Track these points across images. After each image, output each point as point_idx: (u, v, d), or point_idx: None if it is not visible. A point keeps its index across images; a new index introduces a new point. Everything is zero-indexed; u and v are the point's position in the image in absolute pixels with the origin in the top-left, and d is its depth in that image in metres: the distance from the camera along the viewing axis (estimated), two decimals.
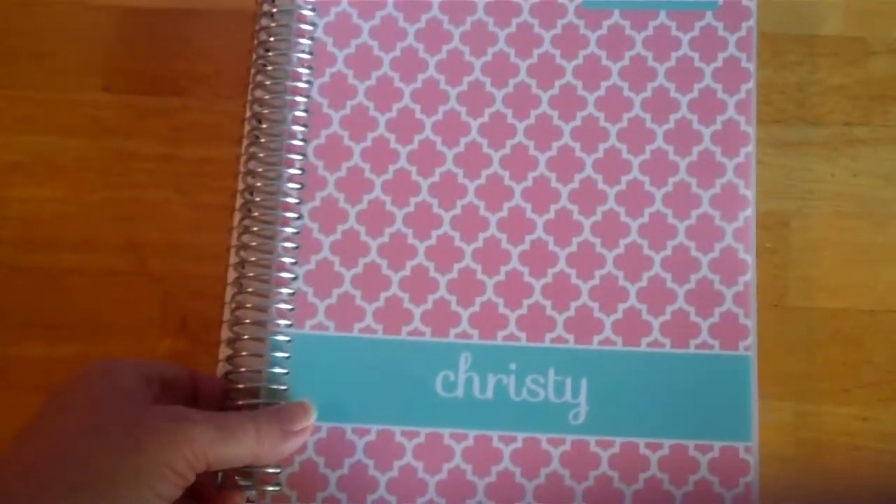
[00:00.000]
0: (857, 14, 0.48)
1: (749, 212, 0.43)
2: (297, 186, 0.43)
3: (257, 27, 0.44)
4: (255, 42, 0.44)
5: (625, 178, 0.43)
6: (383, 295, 0.43)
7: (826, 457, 0.45)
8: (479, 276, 0.43)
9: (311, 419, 0.40)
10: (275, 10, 0.44)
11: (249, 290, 0.42)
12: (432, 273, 0.43)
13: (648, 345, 0.42)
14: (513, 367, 0.42)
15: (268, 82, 0.43)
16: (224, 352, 0.42)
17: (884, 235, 0.46)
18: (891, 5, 0.48)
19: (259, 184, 0.43)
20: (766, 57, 0.47)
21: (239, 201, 0.43)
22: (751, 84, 0.44)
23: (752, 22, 0.44)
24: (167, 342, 0.46)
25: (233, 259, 0.42)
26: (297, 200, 0.43)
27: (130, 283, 0.47)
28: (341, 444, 0.41)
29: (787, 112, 0.47)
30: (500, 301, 0.43)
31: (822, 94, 0.48)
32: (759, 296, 0.44)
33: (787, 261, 0.46)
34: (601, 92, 0.44)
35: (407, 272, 0.43)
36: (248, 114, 0.44)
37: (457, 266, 0.43)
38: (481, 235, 0.43)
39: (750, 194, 0.43)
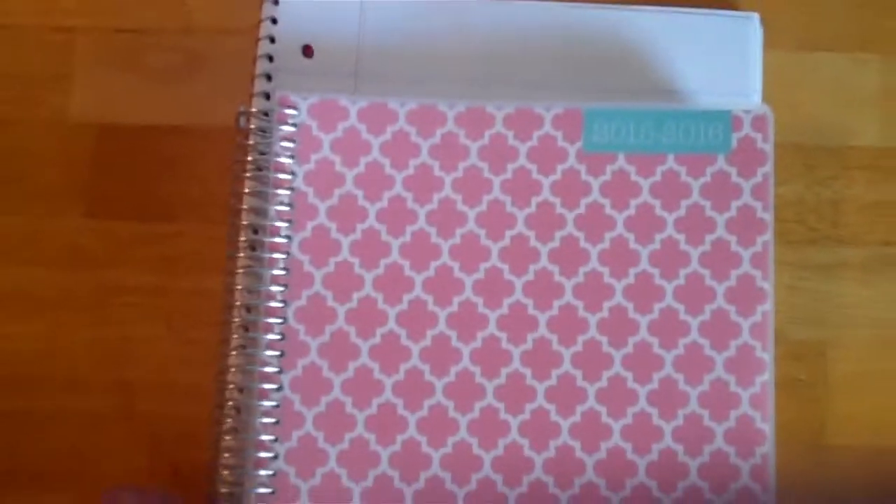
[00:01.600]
0: (894, 125, 0.45)
1: (766, 376, 0.40)
2: (277, 354, 0.41)
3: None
4: (242, 178, 0.42)
5: (631, 340, 0.41)
6: (371, 473, 0.40)
7: None
8: (476, 450, 0.40)
9: None
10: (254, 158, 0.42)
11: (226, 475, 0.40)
12: (424, 448, 0.40)
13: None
14: None
15: (249, 236, 0.41)
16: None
17: None
18: None
19: (237, 343, 0.41)
20: (797, 171, 0.45)
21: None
22: (767, 236, 0.41)
23: (768, 167, 0.41)
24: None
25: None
26: (277, 369, 0.40)
27: (118, 427, 0.45)
28: None
29: (820, 231, 0.45)
30: (499, 478, 0.40)
31: (859, 211, 0.45)
32: (793, 435, 0.42)
33: (825, 394, 0.43)
34: (605, 244, 0.41)
35: (397, 447, 0.40)
36: (235, 262, 0.42)
37: (450, 439, 0.40)
38: (477, 405, 0.41)
39: (767, 358, 0.40)
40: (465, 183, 0.42)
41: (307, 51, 0.45)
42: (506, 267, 0.41)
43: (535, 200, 0.42)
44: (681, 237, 0.41)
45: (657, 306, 0.41)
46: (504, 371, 0.41)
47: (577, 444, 0.40)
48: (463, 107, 0.43)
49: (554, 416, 0.40)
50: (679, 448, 0.40)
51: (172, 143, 0.46)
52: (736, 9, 0.46)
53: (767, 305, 0.41)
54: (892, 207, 0.45)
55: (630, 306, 0.41)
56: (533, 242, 0.42)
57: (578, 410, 0.40)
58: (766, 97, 0.44)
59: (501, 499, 0.40)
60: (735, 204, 0.41)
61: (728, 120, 0.42)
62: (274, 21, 0.45)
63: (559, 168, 0.42)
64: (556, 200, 0.42)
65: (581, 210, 0.42)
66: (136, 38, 0.47)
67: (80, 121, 0.46)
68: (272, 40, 0.45)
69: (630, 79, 0.45)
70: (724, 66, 0.45)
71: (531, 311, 0.41)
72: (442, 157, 0.42)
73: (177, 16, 0.47)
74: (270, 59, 0.44)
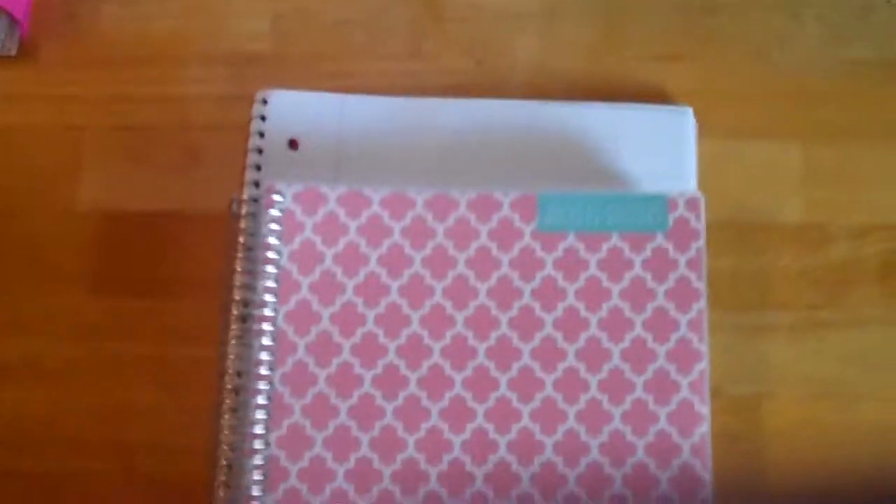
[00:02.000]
0: (815, 203, 0.50)
1: (704, 428, 0.44)
2: (264, 418, 0.45)
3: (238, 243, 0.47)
4: (233, 258, 0.47)
5: (583, 398, 0.45)
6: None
7: None
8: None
9: None
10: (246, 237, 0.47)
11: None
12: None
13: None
14: None
15: (239, 310, 0.46)
16: None
17: (852, 415, 0.48)
18: (846, 194, 0.50)
19: (229, 406, 0.45)
20: (731, 246, 0.50)
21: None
22: (701, 303, 0.45)
23: (700, 242, 0.46)
24: None
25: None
26: (262, 444, 0.44)
27: (119, 486, 0.48)
28: None
29: (752, 299, 0.49)
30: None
31: (786, 279, 0.49)
32: (733, 481, 0.46)
33: (763, 444, 0.48)
34: (558, 313, 0.46)
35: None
36: (228, 333, 0.46)
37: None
38: (445, 458, 0.45)
39: (705, 411, 0.44)
40: (433, 260, 0.47)
41: (293, 144, 0.50)
42: (470, 333, 0.46)
43: (495, 275, 0.47)
44: (625, 305, 0.46)
45: (606, 367, 0.45)
46: (469, 426, 0.45)
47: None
48: (430, 193, 0.47)
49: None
50: (627, 493, 0.44)
51: (171, 227, 0.51)
52: (672, 103, 0.52)
53: (703, 364, 0.45)
54: (816, 275, 0.50)
55: (581, 367, 0.45)
56: (494, 312, 0.46)
57: (536, 461, 0.45)
58: (702, 180, 0.50)
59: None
60: (672, 275, 0.46)
61: (664, 203, 0.47)
62: (263, 118, 0.50)
63: (516, 246, 0.47)
64: (514, 274, 0.47)
65: (536, 283, 0.46)
66: (138, 135, 0.52)
67: (87, 208, 0.51)
68: (261, 135, 0.50)
69: (579, 167, 0.50)
70: (663, 155, 0.50)
71: (493, 372, 0.45)
72: (412, 237, 0.47)
73: (175, 114, 0.52)
74: (260, 151, 0.50)
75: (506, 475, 0.44)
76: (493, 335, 0.46)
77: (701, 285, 0.46)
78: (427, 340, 0.46)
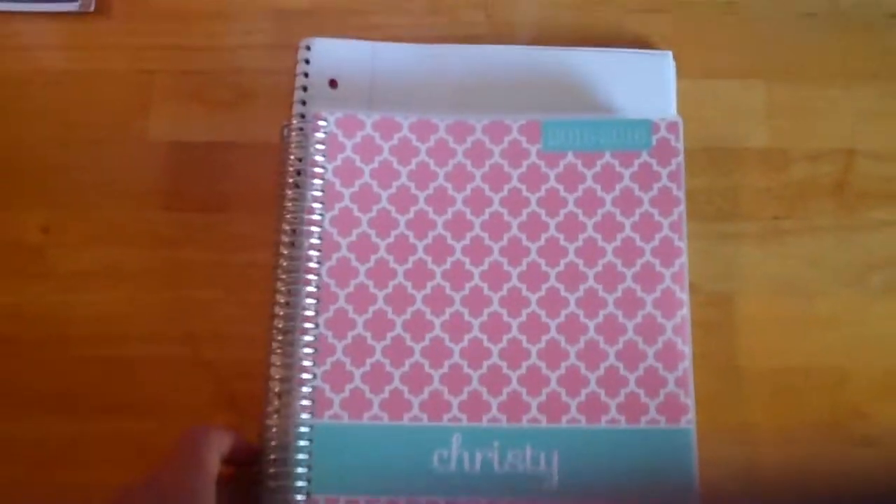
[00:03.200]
0: (778, 131, 0.59)
1: (685, 311, 0.52)
2: (314, 301, 0.52)
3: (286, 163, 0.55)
4: (285, 173, 0.54)
5: (582, 286, 0.52)
6: (387, 388, 0.51)
7: (774, 491, 0.53)
8: (466, 370, 0.51)
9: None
10: (295, 157, 0.55)
11: (277, 390, 0.51)
12: (427, 369, 0.51)
13: (607, 422, 0.50)
14: (496, 444, 0.50)
15: (291, 215, 0.53)
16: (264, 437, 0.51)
17: (810, 307, 0.56)
18: (804, 124, 0.59)
19: (283, 300, 0.52)
20: (706, 167, 0.58)
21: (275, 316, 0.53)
22: (681, 208, 0.53)
23: (680, 158, 0.54)
24: (219, 417, 0.54)
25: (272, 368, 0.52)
26: (313, 313, 0.52)
27: (187, 369, 0.55)
28: None
29: (725, 210, 0.57)
30: (484, 390, 0.51)
31: (754, 194, 0.58)
32: (710, 362, 0.54)
33: (734, 332, 0.56)
34: (560, 218, 0.53)
35: (406, 369, 0.51)
36: (281, 237, 0.54)
37: (447, 362, 0.51)
38: (466, 336, 0.52)
39: (685, 297, 0.52)
40: (454, 176, 0.55)
41: (333, 84, 0.58)
42: (486, 235, 0.54)
43: (506, 187, 0.54)
44: (616, 211, 0.54)
45: (600, 262, 0.53)
46: (486, 311, 0.53)
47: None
48: (451, 119, 0.55)
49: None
50: (619, 364, 0.52)
51: (227, 154, 0.59)
52: (655, 49, 0.60)
53: (683, 259, 0.53)
54: (779, 191, 0.58)
55: (580, 262, 0.53)
56: (506, 217, 0.54)
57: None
58: (680, 113, 0.57)
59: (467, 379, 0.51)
60: (656, 185, 0.54)
61: (649, 126, 0.55)
62: (307, 62, 0.58)
63: (524, 163, 0.55)
64: (523, 187, 0.54)
65: (541, 193, 0.54)
66: (199, 78, 0.60)
67: (157, 139, 0.59)
68: (306, 76, 0.58)
69: (574, 103, 0.58)
70: (647, 92, 0.58)
71: (505, 267, 0.53)
72: (436, 156, 0.55)
73: (229, 61, 0.61)
74: (305, 89, 0.58)
75: (518, 351, 0.52)
76: (506, 236, 0.53)
77: (680, 194, 0.54)
78: (450, 241, 0.53)
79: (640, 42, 0.60)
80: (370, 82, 0.58)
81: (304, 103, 0.57)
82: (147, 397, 0.55)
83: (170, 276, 0.57)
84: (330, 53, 0.59)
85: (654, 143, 0.54)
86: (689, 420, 0.50)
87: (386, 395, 0.51)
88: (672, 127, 0.54)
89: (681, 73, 0.59)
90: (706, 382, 0.54)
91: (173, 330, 0.56)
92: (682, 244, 0.53)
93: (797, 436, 0.54)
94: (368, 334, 0.52)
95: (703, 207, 0.57)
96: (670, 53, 0.59)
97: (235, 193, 0.58)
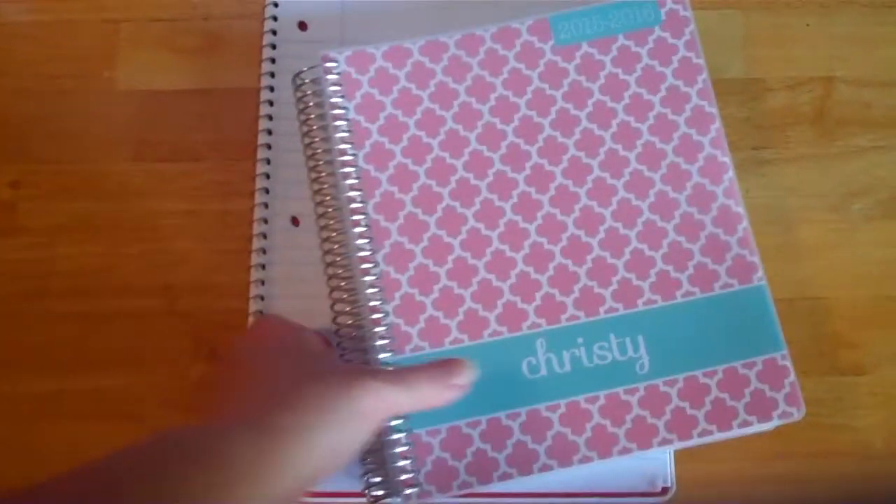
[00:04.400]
0: (756, 61, 0.58)
1: (730, 173, 0.52)
2: (367, 241, 0.51)
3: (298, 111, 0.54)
4: (305, 122, 0.53)
5: (626, 171, 0.52)
6: (461, 310, 0.50)
7: None
8: (534, 275, 0.51)
9: (468, 375, 0.47)
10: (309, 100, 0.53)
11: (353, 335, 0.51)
12: (495, 283, 0.51)
13: (682, 296, 0.50)
14: (580, 340, 0.50)
15: (320, 163, 0.52)
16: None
17: (792, 236, 0.56)
18: (781, 53, 0.58)
19: (334, 247, 0.52)
20: None
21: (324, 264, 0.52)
22: (704, 74, 0.53)
23: (692, 26, 0.53)
24: (199, 367, 0.54)
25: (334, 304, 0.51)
26: (369, 252, 0.51)
27: (164, 321, 0.55)
28: (460, 438, 0.49)
29: None
30: (556, 291, 0.51)
31: (733, 125, 0.57)
32: None
33: None
34: (589, 108, 0.53)
35: (475, 287, 0.51)
36: (311, 179, 0.53)
37: (513, 272, 0.51)
38: (526, 243, 0.51)
39: (727, 160, 0.52)
40: (475, 89, 0.53)
41: (302, 26, 0.57)
42: (521, 141, 0.52)
43: (529, 89, 0.53)
44: (642, 91, 0.53)
45: (639, 142, 0.52)
46: (538, 213, 0.52)
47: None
48: (459, 34, 0.54)
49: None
50: (681, 238, 0.51)
51: (197, 102, 0.58)
52: None
53: (717, 123, 0.52)
54: (758, 121, 0.58)
55: (619, 147, 0.52)
56: (536, 119, 0.53)
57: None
58: None
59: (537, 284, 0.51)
60: (675, 58, 0.53)
61: (655, 1, 0.54)
62: (275, 5, 0.57)
63: (541, 62, 0.54)
64: (545, 86, 0.53)
65: (565, 88, 0.53)
66: (167, 26, 0.59)
67: (126, 88, 0.59)
68: (275, 19, 0.57)
69: None
70: None
71: (547, 167, 0.52)
72: (453, 74, 0.53)
73: (198, 7, 0.60)
74: (274, 33, 0.57)
75: (579, 246, 0.51)
76: (540, 137, 0.53)
77: (700, 61, 0.53)
78: (486, 153, 0.52)
79: None
80: (340, 21, 0.58)
81: (273, 47, 0.57)
82: (125, 351, 0.55)
83: (143, 227, 0.56)
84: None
85: (663, 17, 0.54)
86: (759, 277, 0.50)
87: (461, 317, 0.50)
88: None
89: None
90: None
91: (149, 282, 0.56)
92: (714, 109, 0.52)
93: None
94: (429, 261, 0.51)
95: None
96: None
97: (207, 142, 0.57)
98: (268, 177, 0.54)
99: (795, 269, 0.55)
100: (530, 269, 0.51)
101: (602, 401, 0.49)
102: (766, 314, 0.50)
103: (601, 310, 0.50)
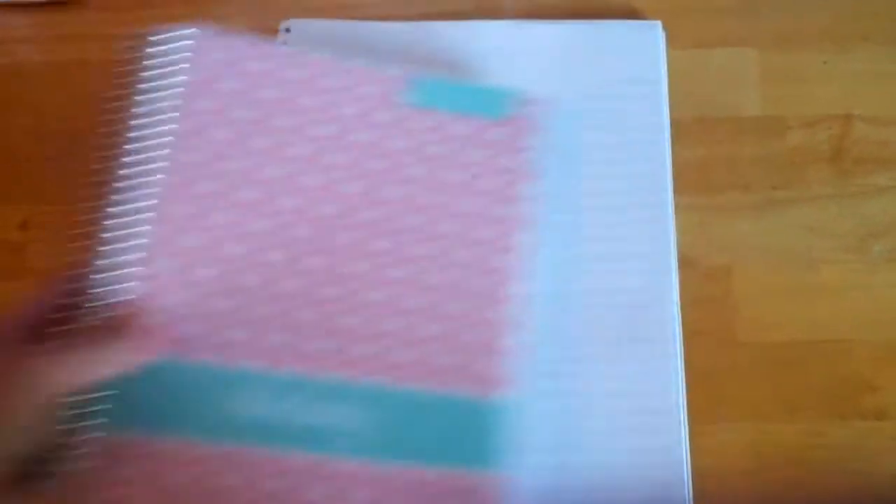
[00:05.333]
0: (772, 99, 0.58)
1: (513, 284, 0.49)
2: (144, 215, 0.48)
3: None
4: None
5: (415, 251, 0.50)
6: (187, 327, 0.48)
7: (780, 469, 0.52)
8: (277, 317, 0.48)
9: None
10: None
11: None
12: (258, 308, 0.48)
13: (417, 383, 0.48)
14: (300, 396, 0.48)
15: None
16: None
17: (811, 278, 0.55)
18: (798, 91, 0.58)
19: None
20: (699, 138, 0.57)
21: None
22: (536, 182, 0.51)
23: (539, 135, 0.51)
24: None
25: None
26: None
27: None
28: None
29: (721, 182, 0.56)
30: (293, 338, 0.48)
31: (750, 164, 0.57)
32: (710, 336, 0.53)
33: (734, 305, 0.55)
34: (406, 176, 0.50)
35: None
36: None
37: (258, 307, 0.48)
38: (285, 284, 0.49)
39: (517, 268, 0.50)
40: (307, 116, 0.50)
41: None
42: (328, 181, 0.50)
43: (362, 137, 0.51)
44: (466, 175, 0.51)
45: (439, 226, 0.50)
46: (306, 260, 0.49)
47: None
48: (323, 57, 0.52)
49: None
50: (443, 327, 0.49)
51: None
52: (644, 18, 0.59)
53: (520, 235, 0.50)
54: (775, 160, 0.57)
55: (421, 222, 0.50)
56: (355, 167, 0.50)
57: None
58: (672, 84, 0.57)
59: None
60: (517, 156, 0.51)
61: (512, 96, 0.52)
62: (288, 31, 0.57)
63: (384, 116, 0.51)
64: (377, 140, 0.51)
65: (391, 148, 0.51)
66: None
67: None
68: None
69: (567, 75, 0.57)
70: (638, 62, 0.57)
71: (341, 220, 0.50)
72: (295, 93, 0.51)
73: None
74: None
75: (338, 304, 0.49)
76: (356, 185, 0.50)
77: (533, 167, 0.51)
78: (289, 182, 0.50)
79: (629, 13, 0.59)
80: (353, 47, 0.58)
81: None
82: None
83: None
84: (310, 34, 0.58)
85: (515, 114, 0.52)
86: (502, 392, 0.48)
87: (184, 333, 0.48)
88: (536, 102, 0.52)
89: (671, 44, 0.58)
90: (705, 359, 0.53)
91: None
92: (529, 216, 0.50)
93: (803, 413, 0.52)
94: (197, 264, 0.49)
95: (696, 179, 0.56)
96: (659, 23, 0.58)
97: None
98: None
99: (815, 310, 0.54)
100: (276, 309, 0.48)
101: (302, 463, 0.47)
102: (491, 429, 0.48)
103: (332, 370, 0.48)
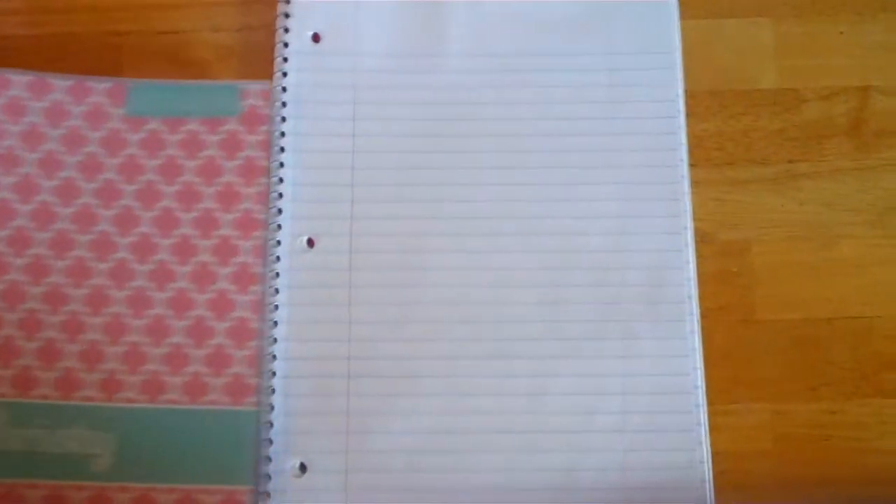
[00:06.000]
0: (788, 71, 0.56)
1: (258, 287, 0.50)
2: None
3: None
4: None
5: (154, 258, 0.50)
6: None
7: (800, 449, 0.51)
8: (17, 342, 0.48)
9: None
10: None
11: None
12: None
13: (168, 401, 0.48)
14: (45, 422, 0.47)
15: None
16: None
17: (831, 253, 0.53)
18: (814, 62, 0.56)
19: None
20: (714, 110, 0.55)
21: None
22: (265, 178, 0.51)
23: (269, 126, 0.52)
24: None
25: None
26: None
27: None
28: None
29: (737, 155, 0.55)
30: (37, 364, 0.48)
31: (766, 138, 0.55)
32: (729, 314, 0.51)
33: (752, 282, 0.53)
34: (138, 185, 0.51)
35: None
36: None
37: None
38: (20, 307, 0.49)
39: (259, 272, 0.50)
40: (26, 136, 0.51)
41: (315, 38, 0.55)
42: (56, 200, 0.51)
43: (83, 151, 0.51)
44: (198, 179, 0.51)
45: (176, 232, 0.51)
46: (44, 280, 0.50)
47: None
48: (31, 76, 0.52)
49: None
50: (187, 341, 0.49)
51: None
52: None
53: (262, 232, 0.51)
54: (792, 133, 0.55)
55: (155, 232, 0.51)
56: (78, 182, 0.51)
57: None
58: (687, 56, 0.55)
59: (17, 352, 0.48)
60: (241, 154, 0.52)
61: (237, 91, 0.52)
62: (287, 16, 0.55)
63: (104, 127, 0.52)
64: (101, 151, 0.51)
65: (120, 159, 0.51)
66: (171, 38, 0.57)
67: None
68: (286, 31, 0.55)
69: (585, 49, 0.55)
70: (652, 35, 0.56)
71: (73, 235, 0.50)
72: (8, 114, 0.51)
73: (205, 19, 0.57)
74: (286, 45, 0.54)
75: (76, 325, 0.49)
76: (76, 202, 0.51)
77: (266, 164, 0.51)
78: (15, 205, 0.50)
79: None
80: (354, 32, 0.56)
81: (285, 60, 0.54)
82: None
83: None
84: (311, 6, 0.55)
85: (242, 109, 0.52)
86: (253, 402, 0.48)
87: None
88: (263, 94, 0.52)
89: (684, 14, 0.56)
90: (723, 337, 0.52)
91: None
92: (264, 217, 0.51)
93: (823, 391, 0.51)
94: None
95: (712, 153, 0.55)
96: None
97: None
98: (280, 196, 0.51)
99: (834, 287, 0.53)
100: (16, 334, 0.48)
101: (45, 491, 0.46)
102: (246, 442, 0.48)
103: (78, 395, 0.48)
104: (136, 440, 0.47)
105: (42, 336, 0.48)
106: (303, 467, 0.49)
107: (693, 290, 0.52)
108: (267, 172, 0.51)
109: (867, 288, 0.53)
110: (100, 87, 0.52)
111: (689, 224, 0.53)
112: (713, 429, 0.50)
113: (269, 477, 0.48)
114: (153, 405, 0.48)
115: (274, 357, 0.49)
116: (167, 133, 0.51)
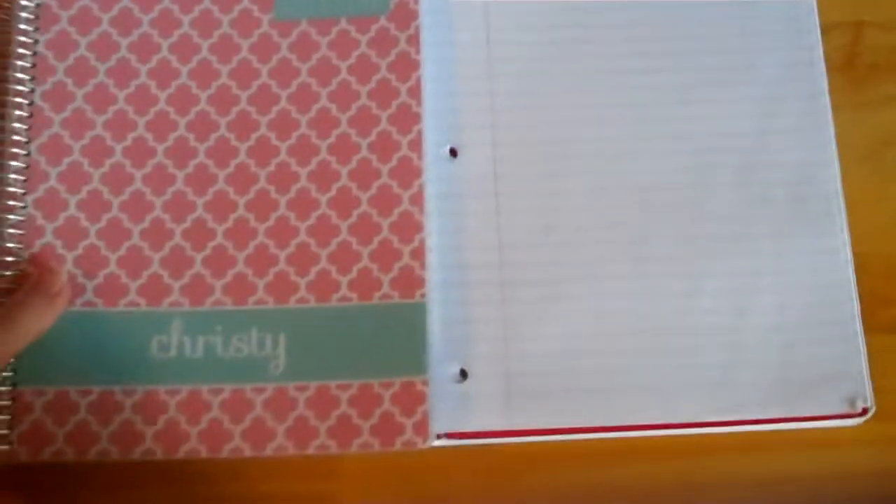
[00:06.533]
0: None
1: (422, 178, 0.49)
2: (22, 179, 0.49)
3: None
4: None
5: (314, 160, 0.50)
6: (102, 273, 0.48)
7: None
8: (188, 252, 0.48)
9: (63, 278, 0.46)
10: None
11: None
12: (146, 252, 0.49)
13: (338, 300, 0.48)
14: (219, 328, 0.48)
15: None
16: None
17: None
18: None
19: None
20: None
21: None
22: (419, 71, 0.50)
23: (418, 21, 0.51)
24: None
25: None
26: (22, 191, 0.48)
27: None
28: (66, 404, 0.46)
29: None
30: (207, 273, 0.48)
31: None
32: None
33: None
34: (292, 89, 0.50)
35: (123, 252, 0.48)
36: None
37: (167, 244, 0.49)
38: (189, 217, 0.49)
39: (423, 165, 0.50)
40: (178, 47, 0.51)
41: None
42: (212, 109, 0.50)
43: (235, 59, 0.51)
44: (352, 79, 0.51)
45: (334, 132, 0.50)
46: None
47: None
48: None
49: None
50: (352, 239, 0.49)
51: None
52: None
53: (420, 125, 0.50)
54: None
55: (312, 134, 0.50)
56: (234, 90, 0.51)
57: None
58: None
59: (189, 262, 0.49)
60: (394, 50, 0.51)
61: None
62: None
63: (255, 33, 0.51)
64: (252, 58, 0.51)
65: (273, 64, 0.51)
66: None
67: None
68: None
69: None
70: None
71: (233, 143, 0.50)
72: (159, 27, 0.51)
73: None
74: None
75: (244, 230, 0.49)
76: (234, 110, 0.50)
77: (419, 58, 0.51)
78: (173, 116, 0.50)
79: None
80: None
81: None
82: None
83: None
84: None
85: (391, 6, 0.51)
86: (422, 294, 0.48)
87: (100, 279, 0.48)
88: None
89: None
90: None
91: None
92: (420, 110, 0.50)
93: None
94: (82, 216, 0.49)
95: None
96: None
97: None
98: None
99: None
100: (187, 245, 0.49)
101: (226, 395, 0.47)
102: (418, 334, 0.47)
103: (250, 300, 0.48)
104: (310, 340, 0.47)
105: (211, 244, 0.48)
106: (463, 373, 0.48)
107: (839, 186, 0.52)
108: (419, 66, 0.50)
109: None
110: None
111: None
112: (866, 321, 0.50)
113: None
114: (325, 304, 0.47)
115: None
116: (317, 35, 0.50)
